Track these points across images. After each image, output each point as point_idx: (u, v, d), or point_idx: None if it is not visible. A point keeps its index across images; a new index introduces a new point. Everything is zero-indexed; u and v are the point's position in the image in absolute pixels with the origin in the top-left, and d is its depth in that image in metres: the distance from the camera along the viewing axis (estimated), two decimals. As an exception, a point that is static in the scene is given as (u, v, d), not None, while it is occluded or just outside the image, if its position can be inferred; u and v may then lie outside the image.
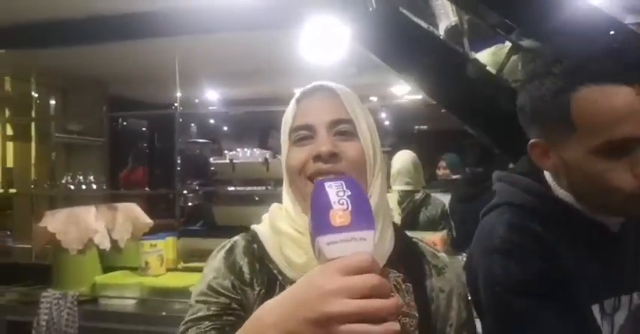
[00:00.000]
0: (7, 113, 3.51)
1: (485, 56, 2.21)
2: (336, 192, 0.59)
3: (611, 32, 1.16)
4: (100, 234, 2.30)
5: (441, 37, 2.22)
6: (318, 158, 0.79)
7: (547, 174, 0.87)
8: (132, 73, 3.64)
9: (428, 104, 2.33)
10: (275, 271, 0.82)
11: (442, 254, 0.91)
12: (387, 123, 6.21)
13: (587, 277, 0.81)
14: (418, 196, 2.69)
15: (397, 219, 2.58)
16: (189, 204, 4.10)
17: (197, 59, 3.09)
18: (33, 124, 3.37)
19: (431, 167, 4.68)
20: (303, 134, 0.82)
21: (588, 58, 0.75)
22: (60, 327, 2.12)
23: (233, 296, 0.79)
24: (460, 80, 2.16)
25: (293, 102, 0.86)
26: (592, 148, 0.75)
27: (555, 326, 0.77)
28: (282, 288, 0.78)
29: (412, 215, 2.66)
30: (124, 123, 5.01)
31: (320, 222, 0.57)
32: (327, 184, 0.60)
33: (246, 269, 0.82)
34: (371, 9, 2.16)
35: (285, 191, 0.86)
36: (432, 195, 2.79)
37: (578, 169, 0.78)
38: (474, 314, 0.88)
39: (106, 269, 2.45)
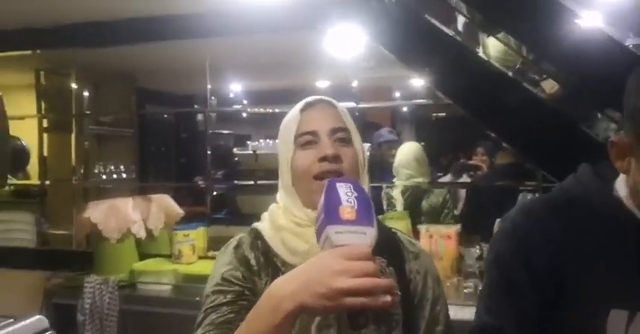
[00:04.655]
0: (44, 106, 3.68)
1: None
2: (345, 191, 0.71)
3: None
4: (137, 224, 2.47)
5: (455, 37, 2.30)
6: (324, 159, 0.93)
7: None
8: (160, 67, 3.79)
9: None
10: (278, 263, 0.94)
11: (417, 242, 1.07)
12: (404, 109, 6.24)
13: (616, 280, 0.77)
14: (421, 186, 2.80)
15: (399, 208, 2.71)
16: (214, 192, 4.27)
17: (222, 54, 3.21)
18: (73, 118, 3.54)
19: (449, 154, 4.77)
20: (308, 139, 0.95)
21: None
22: (102, 310, 2.31)
23: (245, 284, 0.92)
24: (473, 78, 2.25)
25: (297, 111, 0.99)
26: None
27: (508, 311, 0.81)
28: None
29: (415, 204, 2.79)
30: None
31: (331, 214, 0.68)
32: (338, 184, 0.72)
33: (253, 262, 0.95)
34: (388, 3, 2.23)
35: (286, 189, 0.99)
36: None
37: None
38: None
39: (142, 256, 2.62)
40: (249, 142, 4.18)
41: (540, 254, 0.81)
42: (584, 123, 2.15)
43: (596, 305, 0.77)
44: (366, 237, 0.68)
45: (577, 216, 0.82)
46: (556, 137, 2.06)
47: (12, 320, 1.30)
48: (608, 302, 0.77)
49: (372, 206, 0.72)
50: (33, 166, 4.02)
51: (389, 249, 0.97)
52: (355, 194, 0.71)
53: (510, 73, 2.19)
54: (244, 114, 5.65)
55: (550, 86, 2.26)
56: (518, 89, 2.16)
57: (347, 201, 0.69)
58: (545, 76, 2.23)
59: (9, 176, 3.51)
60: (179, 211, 2.70)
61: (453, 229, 2.21)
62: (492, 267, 0.87)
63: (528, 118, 2.13)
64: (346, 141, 0.96)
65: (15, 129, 2.83)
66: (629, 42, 1.41)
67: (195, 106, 4.54)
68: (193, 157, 4.70)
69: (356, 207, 0.69)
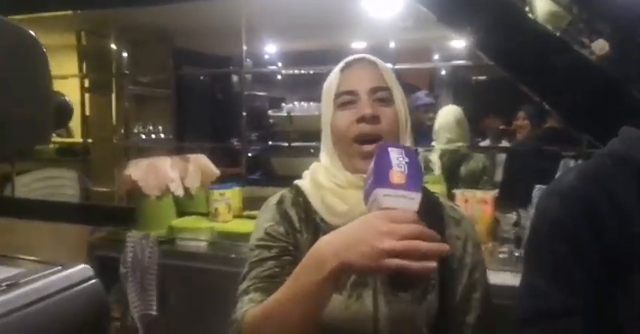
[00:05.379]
0: (85, 66, 3.75)
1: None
2: (396, 156, 0.71)
3: None
4: (175, 183, 2.53)
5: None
6: (361, 119, 0.92)
7: None
8: (196, 28, 3.78)
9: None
10: (318, 220, 0.96)
11: (459, 208, 1.06)
12: (443, 72, 6.08)
13: None
14: (460, 150, 2.75)
15: (437, 172, 2.67)
16: (249, 154, 4.32)
17: (257, 15, 3.17)
18: (113, 78, 3.60)
19: (489, 118, 4.65)
20: (347, 99, 0.94)
21: None
22: (143, 264, 2.40)
23: (288, 240, 0.94)
24: (518, 38, 2.16)
25: (337, 70, 0.97)
26: None
27: (572, 284, 0.76)
28: (325, 234, 0.85)
29: (453, 168, 2.74)
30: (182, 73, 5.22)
31: (381, 177, 0.69)
32: (390, 149, 0.72)
33: (295, 218, 0.96)
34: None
35: (327, 150, 0.98)
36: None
37: None
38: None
39: (180, 213, 2.70)
40: (283, 104, 4.19)
41: (604, 217, 0.77)
42: (634, 85, 2.04)
43: None
44: (413, 202, 0.69)
45: (633, 178, 0.79)
46: (604, 100, 1.97)
47: (60, 267, 1.36)
48: None
49: (422, 172, 0.72)
50: (75, 125, 4.14)
51: (430, 214, 0.95)
52: (406, 159, 0.71)
53: (557, 34, 2.09)
54: (279, 77, 5.63)
55: (600, 47, 2.15)
56: (565, 50, 2.06)
57: (398, 165, 0.70)
58: (595, 36, 2.12)
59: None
60: (215, 171, 2.75)
61: (490, 194, 2.17)
62: (552, 237, 0.80)
63: (575, 81, 2.04)
64: (386, 100, 0.94)
65: (57, 88, 2.90)
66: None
67: (231, 67, 4.54)
68: (229, 118, 4.73)
69: (406, 172, 0.70)
